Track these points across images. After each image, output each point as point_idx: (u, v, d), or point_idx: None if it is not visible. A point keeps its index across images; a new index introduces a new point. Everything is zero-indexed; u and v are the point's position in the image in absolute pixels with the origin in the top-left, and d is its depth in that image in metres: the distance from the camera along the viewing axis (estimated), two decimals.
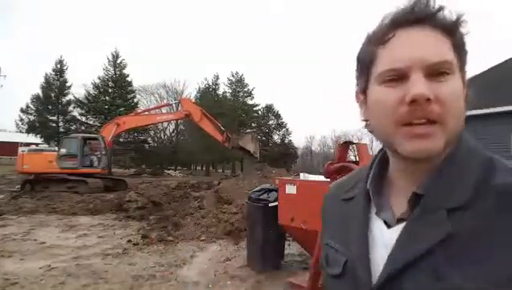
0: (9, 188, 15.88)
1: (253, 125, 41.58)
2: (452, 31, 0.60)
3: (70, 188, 14.53)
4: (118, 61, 34.90)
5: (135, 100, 36.28)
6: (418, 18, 0.60)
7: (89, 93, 33.38)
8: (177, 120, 27.76)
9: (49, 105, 33.03)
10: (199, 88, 41.67)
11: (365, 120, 0.69)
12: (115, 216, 9.81)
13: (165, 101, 33.96)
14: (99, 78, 33.97)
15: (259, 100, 44.47)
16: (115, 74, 34.71)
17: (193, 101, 22.16)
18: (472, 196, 0.57)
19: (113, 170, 27.53)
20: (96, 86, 33.77)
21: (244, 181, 11.55)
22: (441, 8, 0.60)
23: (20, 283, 4.72)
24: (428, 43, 0.59)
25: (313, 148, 63.13)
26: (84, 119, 33.67)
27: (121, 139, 29.39)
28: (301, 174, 5.49)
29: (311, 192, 4.23)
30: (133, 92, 36.04)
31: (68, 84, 34.40)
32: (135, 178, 23.85)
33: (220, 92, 41.44)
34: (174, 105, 26.59)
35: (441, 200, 0.59)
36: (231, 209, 8.64)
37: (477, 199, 0.56)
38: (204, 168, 39.03)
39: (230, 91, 42.24)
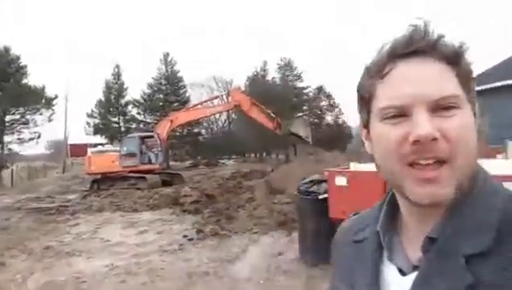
0: (80, 188, 17.34)
1: (304, 108, 40.81)
2: (455, 60, 0.55)
3: (132, 185, 15.43)
4: (169, 59, 36.17)
5: (187, 94, 37.46)
6: (417, 49, 0.54)
7: (144, 93, 35.13)
8: (228, 111, 28.08)
9: (110, 108, 35.35)
10: (248, 76, 41.78)
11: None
12: (172, 211, 10.16)
13: (215, 93, 34.47)
14: (152, 78, 35.57)
15: (309, 82, 43.28)
16: (167, 72, 36.09)
17: (242, 90, 22.05)
18: (496, 240, 0.50)
19: (171, 163, 28.90)
20: (150, 86, 35.41)
21: (297, 167, 11.35)
22: (441, 37, 0.54)
23: (88, 282, 5.04)
24: (431, 76, 0.53)
25: None
26: (141, 118, 35.58)
27: (177, 134, 30.58)
28: (351, 164, 5.15)
29: (362, 184, 4.08)
30: (184, 87, 37.27)
31: (125, 87, 36.48)
32: (192, 170, 24.70)
33: (269, 77, 41.19)
34: (224, 96, 26.87)
35: (457, 245, 0.53)
36: (283, 198, 8.50)
37: (501, 244, 0.50)
38: (257, 155, 39.35)
39: (279, 76, 41.80)
